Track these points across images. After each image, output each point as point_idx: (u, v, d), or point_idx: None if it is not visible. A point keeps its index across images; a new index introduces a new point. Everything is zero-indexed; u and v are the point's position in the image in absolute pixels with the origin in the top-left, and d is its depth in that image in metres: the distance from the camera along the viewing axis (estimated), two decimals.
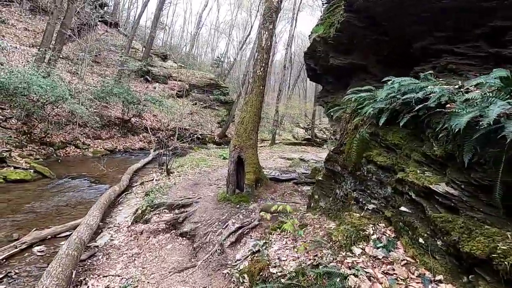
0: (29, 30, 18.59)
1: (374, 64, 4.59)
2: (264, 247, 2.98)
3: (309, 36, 6.50)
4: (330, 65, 5.27)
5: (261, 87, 5.62)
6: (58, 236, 4.90)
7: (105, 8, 29.42)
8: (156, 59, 27.69)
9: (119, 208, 6.33)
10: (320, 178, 3.75)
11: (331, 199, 3.42)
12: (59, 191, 7.65)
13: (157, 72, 24.32)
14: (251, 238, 3.64)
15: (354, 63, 4.77)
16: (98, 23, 24.68)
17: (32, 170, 8.78)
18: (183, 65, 28.27)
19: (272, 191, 5.37)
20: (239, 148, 5.31)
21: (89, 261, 4.25)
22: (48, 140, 11.82)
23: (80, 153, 12.79)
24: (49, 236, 4.78)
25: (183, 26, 59.04)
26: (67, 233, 4.90)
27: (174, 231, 4.57)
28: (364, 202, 2.79)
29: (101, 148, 13.85)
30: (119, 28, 29.27)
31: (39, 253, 4.34)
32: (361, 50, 4.68)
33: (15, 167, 8.82)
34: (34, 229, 4.84)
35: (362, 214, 2.67)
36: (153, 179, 8.61)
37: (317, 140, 20.23)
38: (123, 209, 6.27)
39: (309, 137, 21.69)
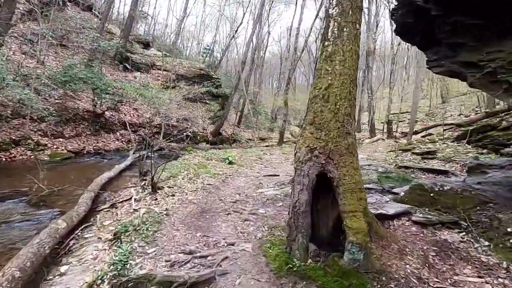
0: None
1: None
2: None
3: None
4: None
5: (357, 26, 2.74)
6: None
7: None
8: (137, 46, 24.15)
9: (61, 269, 3.29)
10: None
11: None
12: None
13: (138, 59, 20.89)
14: None
15: None
16: (69, 4, 21.01)
17: None
18: (168, 54, 24.91)
19: (396, 250, 2.53)
20: (323, 154, 2.44)
21: None
22: None
23: (32, 156, 9.45)
24: None
25: (166, 18, 55.77)
26: None
27: None
28: None
29: (62, 150, 10.53)
30: (93, 11, 25.48)
31: None
32: None
33: None
34: None
35: None
36: (131, 198, 5.59)
37: None
38: (69, 271, 3.25)
39: None
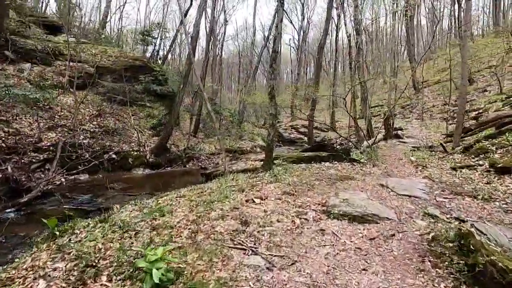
0: None
1: None
2: None
3: None
4: None
5: None
6: None
7: None
8: (38, 30, 16.64)
9: None
10: None
11: None
12: None
13: (30, 45, 13.62)
14: None
15: None
16: None
17: None
18: (87, 41, 17.81)
19: None
20: None
21: None
22: None
23: None
24: None
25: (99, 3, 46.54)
26: None
27: None
28: None
29: None
30: None
31: None
32: None
33: None
34: None
35: None
36: None
37: (331, 146, 12.42)
38: None
39: (301, 140, 13.73)
